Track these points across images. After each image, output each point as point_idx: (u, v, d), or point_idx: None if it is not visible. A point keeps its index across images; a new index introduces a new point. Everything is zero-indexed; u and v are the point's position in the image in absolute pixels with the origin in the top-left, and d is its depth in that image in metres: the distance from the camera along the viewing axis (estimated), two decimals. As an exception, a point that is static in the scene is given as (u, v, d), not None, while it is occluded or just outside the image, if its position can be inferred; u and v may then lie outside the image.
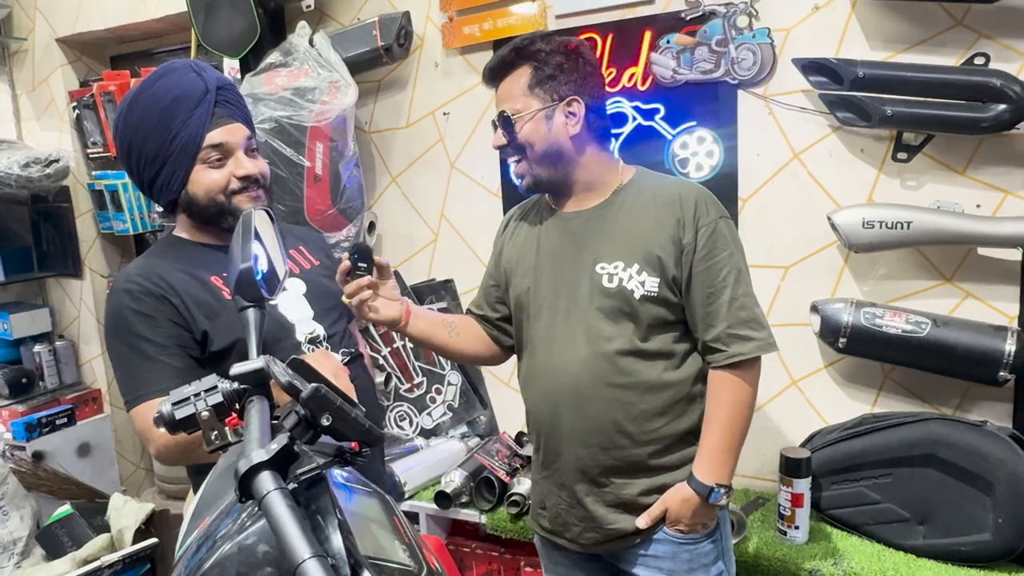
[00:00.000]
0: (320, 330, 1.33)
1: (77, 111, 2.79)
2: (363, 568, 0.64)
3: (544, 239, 1.39)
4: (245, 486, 0.63)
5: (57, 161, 2.72)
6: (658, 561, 1.34)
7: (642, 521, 1.31)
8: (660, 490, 1.32)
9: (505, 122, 1.33)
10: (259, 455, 0.63)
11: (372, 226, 2.40)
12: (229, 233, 1.19)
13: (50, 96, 2.88)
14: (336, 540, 0.64)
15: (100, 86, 2.64)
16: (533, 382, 1.41)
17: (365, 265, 1.31)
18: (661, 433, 1.30)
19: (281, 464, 0.64)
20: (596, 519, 1.34)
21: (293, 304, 1.31)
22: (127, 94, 1.33)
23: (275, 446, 0.64)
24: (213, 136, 1.26)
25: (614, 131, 1.96)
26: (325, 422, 0.69)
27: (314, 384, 0.68)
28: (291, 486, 0.65)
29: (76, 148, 2.85)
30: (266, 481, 0.62)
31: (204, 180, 1.27)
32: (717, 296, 1.27)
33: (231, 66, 2.36)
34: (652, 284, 1.27)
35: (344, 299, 1.33)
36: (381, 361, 2.24)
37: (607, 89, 1.40)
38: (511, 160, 1.37)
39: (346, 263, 1.31)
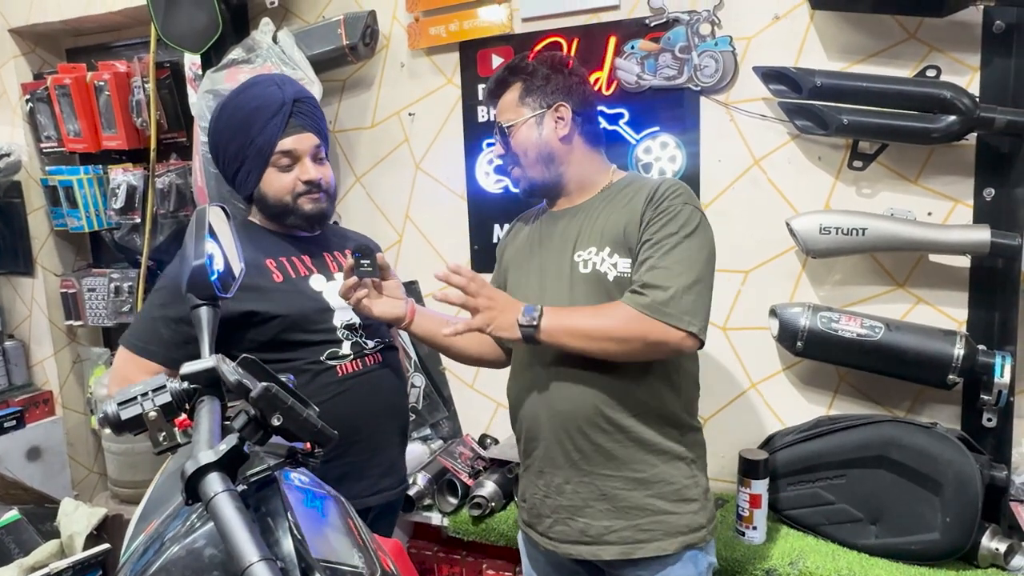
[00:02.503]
0: (357, 319, 1.49)
1: (30, 104, 2.71)
2: (314, 571, 0.63)
3: (536, 236, 1.46)
4: (192, 488, 0.61)
5: (8, 155, 2.64)
6: None
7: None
8: (641, 483, 1.31)
9: (501, 132, 1.42)
10: (207, 456, 0.62)
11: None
12: (293, 227, 1.50)
13: (1, 88, 2.79)
14: (286, 543, 0.63)
15: (55, 79, 2.56)
16: (515, 373, 1.45)
17: (367, 262, 1.39)
18: (638, 416, 1.31)
19: (230, 465, 0.63)
20: (573, 508, 1.34)
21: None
22: (220, 100, 1.54)
23: (224, 447, 0.62)
24: (284, 143, 1.44)
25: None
26: (276, 422, 0.68)
27: (264, 383, 0.67)
28: (240, 488, 0.64)
29: (29, 142, 2.76)
30: (214, 483, 0.61)
31: (274, 182, 1.46)
32: (649, 251, 1.27)
33: (192, 61, 2.32)
34: (624, 265, 1.31)
35: (341, 298, 1.42)
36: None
37: (597, 95, 1.52)
38: (510, 167, 1.45)
39: (349, 261, 1.38)
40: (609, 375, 1.30)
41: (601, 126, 1.50)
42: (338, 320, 1.48)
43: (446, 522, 1.99)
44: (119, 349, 1.45)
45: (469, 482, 2.00)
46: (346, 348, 1.47)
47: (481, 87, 2.13)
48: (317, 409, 0.72)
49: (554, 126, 1.38)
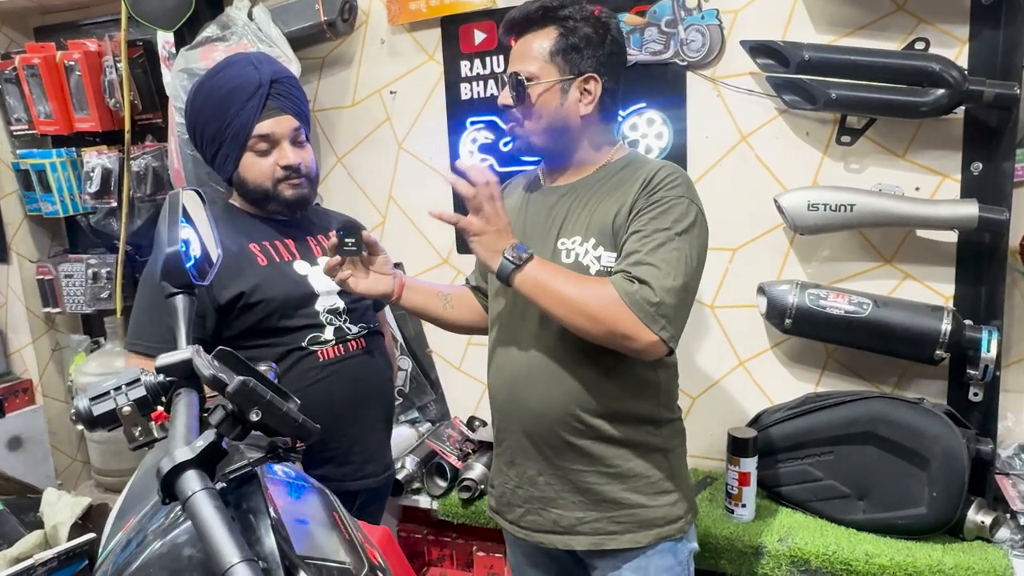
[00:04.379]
0: (341, 304, 1.48)
1: (-1, 85, 2.63)
2: (298, 569, 0.61)
3: (523, 212, 1.37)
4: (168, 487, 0.59)
5: (-23, 139, 2.56)
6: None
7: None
8: (615, 477, 1.28)
9: (518, 84, 1.26)
10: (183, 453, 0.59)
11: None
12: (274, 212, 1.47)
13: (-32, 69, 2.70)
14: (268, 541, 0.61)
15: (23, 59, 2.47)
16: (492, 358, 1.40)
17: (352, 240, 1.33)
18: (613, 417, 1.27)
19: (208, 462, 0.61)
20: (546, 499, 1.31)
21: (324, 277, 1.41)
22: (196, 81, 1.49)
23: (201, 443, 0.60)
24: (261, 127, 1.40)
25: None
26: (254, 417, 0.65)
27: (241, 377, 0.64)
28: (219, 485, 0.62)
29: (-2, 125, 2.68)
30: (191, 481, 0.58)
31: (252, 167, 1.42)
32: (639, 240, 1.18)
33: (165, 39, 2.25)
34: (608, 259, 1.23)
35: (326, 276, 1.36)
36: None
37: (627, 67, 1.35)
38: (512, 123, 1.32)
39: (333, 239, 1.31)
40: (585, 375, 1.25)
41: (619, 104, 1.36)
42: (321, 305, 1.46)
43: (435, 505, 1.98)
44: (129, 356, 1.40)
45: (458, 465, 1.99)
46: (328, 333, 1.44)
47: (464, 63, 2.09)
48: (298, 402, 0.70)
49: (578, 98, 1.25)
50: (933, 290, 1.75)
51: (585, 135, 1.30)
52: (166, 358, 0.72)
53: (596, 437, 1.28)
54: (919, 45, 1.65)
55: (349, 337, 1.48)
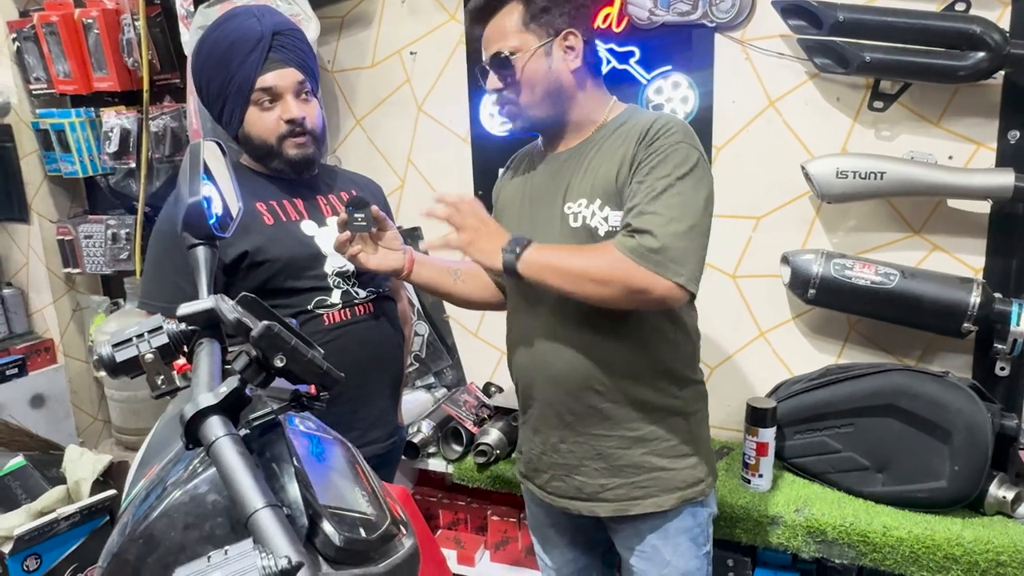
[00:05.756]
0: (350, 266, 1.44)
1: (17, 44, 2.61)
2: (322, 518, 0.60)
3: (530, 182, 1.37)
4: (192, 432, 0.58)
5: (-3, 97, 2.56)
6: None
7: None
8: (636, 441, 1.28)
9: (503, 63, 1.26)
10: (207, 399, 0.58)
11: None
12: (278, 171, 1.44)
13: (-13, 27, 2.69)
14: (292, 489, 0.60)
15: (41, 16, 2.46)
16: (511, 327, 1.40)
17: (361, 216, 1.33)
18: (634, 377, 1.27)
19: (232, 409, 0.60)
20: (569, 467, 1.32)
21: (333, 239, 1.39)
22: (200, 36, 1.44)
23: (224, 389, 0.59)
24: (264, 80, 1.36)
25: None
26: (279, 363, 0.64)
27: (265, 322, 0.63)
28: (243, 432, 0.61)
29: (18, 84, 2.67)
30: (215, 426, 0.58)
31: (257, 122, 1.39)
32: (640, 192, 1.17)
33: (183, -3, 2.22)
34: (616, 219, 1.21)
35: (336, 251, 1.37)
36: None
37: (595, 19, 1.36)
38: (506, 104, 1.31)
39: (343, 215, 1.33)
40: (604, 338, 1.25)
41: (600, 57, 1.38)
42: (330, 267, 1.44)
43: (451, 469, 1.99)
44: (143, 315, 1.40)
45: (474, 430, 2.00)
46: (335, 297, 1.43)
47: (485, 24, 2.04)
48: (321, 351, 0.69)
49: (563, 56, 1.25)
50: (962, 262, 1.71)
51: (580, 93, 1.29)
52: (188, 307, 0.71)
53: (617, 400, 1.28)
54: (959, 6, 1.59)
55: (357, 301, 1.46)
